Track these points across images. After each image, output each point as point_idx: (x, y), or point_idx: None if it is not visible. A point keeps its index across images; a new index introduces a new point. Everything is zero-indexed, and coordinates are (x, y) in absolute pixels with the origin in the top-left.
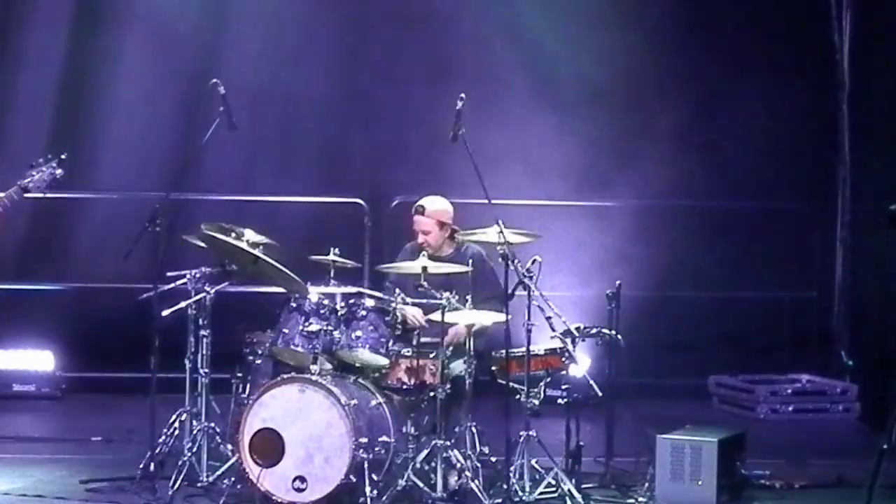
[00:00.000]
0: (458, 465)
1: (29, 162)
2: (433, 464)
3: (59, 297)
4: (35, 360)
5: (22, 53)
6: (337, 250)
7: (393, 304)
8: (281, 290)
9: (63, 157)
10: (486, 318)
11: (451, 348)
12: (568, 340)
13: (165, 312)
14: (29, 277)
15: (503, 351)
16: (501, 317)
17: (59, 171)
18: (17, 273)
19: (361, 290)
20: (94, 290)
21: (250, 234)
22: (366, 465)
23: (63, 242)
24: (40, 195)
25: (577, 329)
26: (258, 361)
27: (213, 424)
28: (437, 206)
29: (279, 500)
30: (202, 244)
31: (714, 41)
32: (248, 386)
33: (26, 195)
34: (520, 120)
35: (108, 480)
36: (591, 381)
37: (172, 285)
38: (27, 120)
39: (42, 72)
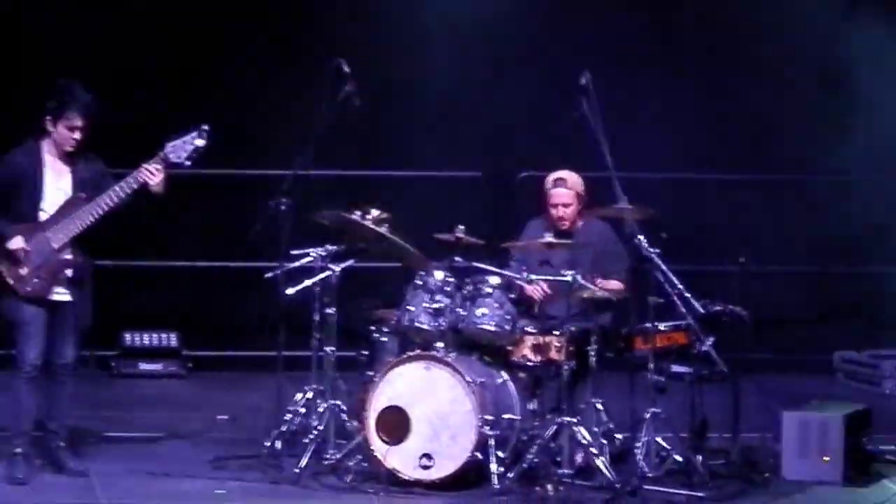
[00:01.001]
0: (584, 441)
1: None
2: (559, 441)
3: (185, 275)
4: (162, 338)
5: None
6: (461, 227)
7: (518, 281)
8: (406, 267)
9: (205, 128)
10: (610, 290)
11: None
12: (693, 316)
13: (291, 290)
14: (156, 256)
15: (629, 327)
16: (623, 288)
17: (200, 143)
18: (146, 251)
19: (486, 266)
20: (220, 269)
21: (375, 212)
22: (491, 443)
23: (190, 220)
24: (179, 164)
25: (703, 305)
26: (384, 339)
27: (339, 402)
28: (574, 178)
29: (405, 478)
30: (327, 222)
31: None
32: (373, 364)
33: (169, 166)
34: (644, 95)
35: (234, 458)
36: (717, 357)
37: (298, 263)
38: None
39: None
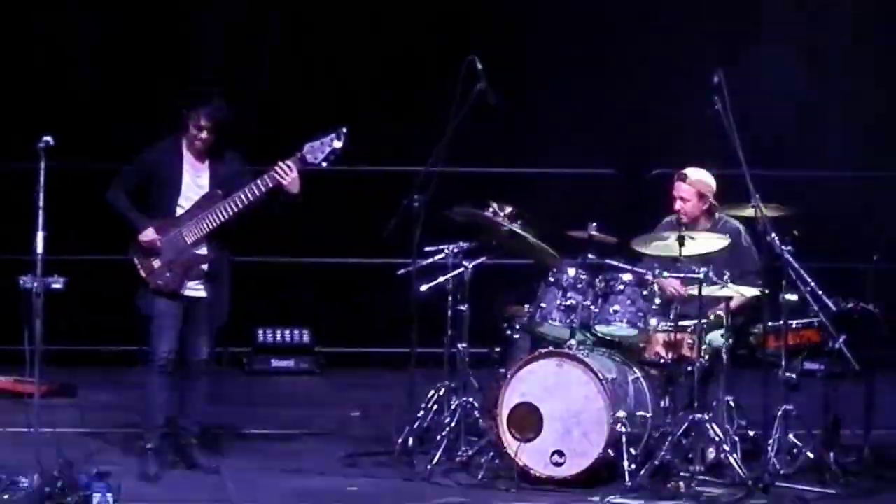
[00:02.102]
0: (716, 438)
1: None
2: (691, 438)
3: (318, 272)
4: (294, 335)
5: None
6: (594, 224)
7: (650, 278)
8: (539, 264)
9: (344, 130)
10: (744, 292)
11: (706, 321)
12: (825, 314)
13: (424, 287)
14: (289, 253)
15: (761, 325)
16: (757, 291)
17: (337, 144)
18: (280, 247)
19: (619, 264)
20: (354, 266)
21: (508, 209)
22: (624, 440)
23: (325, 217)
24: (316, 164)
25: (835, 302)
26: (516, 336)
27: (471, 399)
28: (699, 176)
29: (537, 475)
30: (461, 219)
31: None
32: (506, 361)
33: (306, 166)
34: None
35: (366, 455)
36: (849, 355)
37: (431, 260)
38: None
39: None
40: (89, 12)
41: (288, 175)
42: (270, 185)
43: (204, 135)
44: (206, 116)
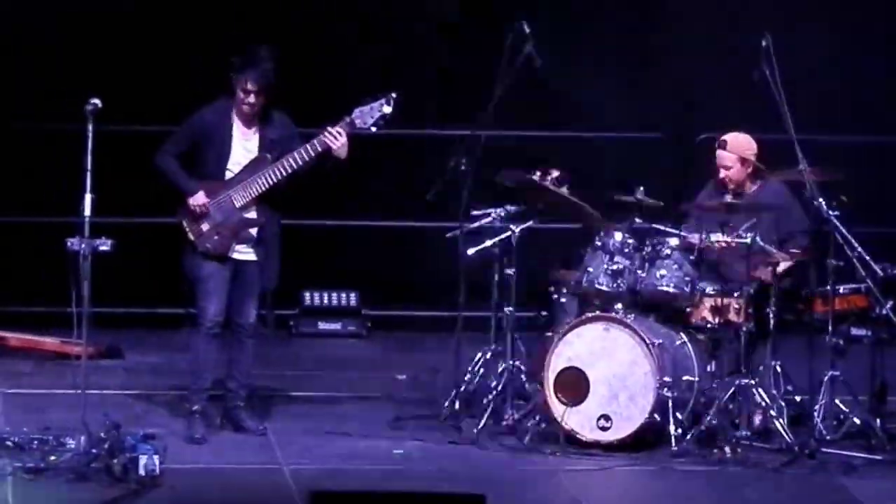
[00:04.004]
0: (763, 404)
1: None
2: (737, 403)
3: (365, 235)
4: (341, 298)
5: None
6: (641, 188)
7: (697, 242)
8: (586, 228)
9: (394, 95)
10: (790, 256)
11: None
12: (873, 279)
13: (471, 251)
14: (336, 215)
15: (808, 289)
16: (801, 253)
17: (387, 109)
18: (326, 210)
19: (666, 228)
20: (400, 229)
21: (555, 172)
22: (670, 405)
23: (369, 180)
24: (365, 129)
25: (883, 268)
26: (563, 300)
27: (517, 363)
28: (739, 141)
29: (584, 439)
30: (508, 182)
31: None
32: (552, 324)
33: (354, 130)
34: (825, 59)
35: (413, 419)
36: None
37: (478, 224)
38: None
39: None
40: None
41: (337, 140)
42: (319, 149)
43: (252, 99)
44: (253, 80)
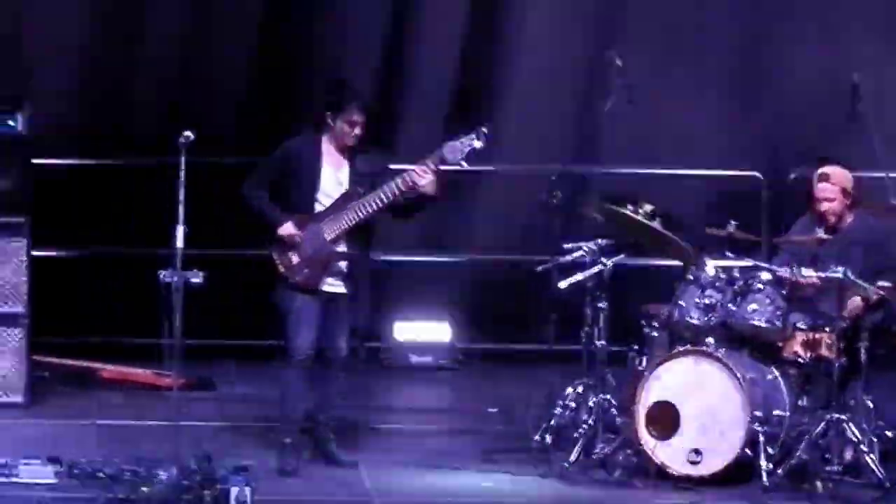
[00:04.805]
0: (854, 439)
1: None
2: (828, 438)
3: (456, 268)
4: (433, 331)
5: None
6: (734, 223)
7: (788, 276)
8: (677, 262)
9: (484, 130)
10: (885, 290)
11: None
12: None
13: (563, 284)
14: (428, 249)
15: None
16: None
17: (477, 144)
18: (418, 244)
19: (757, 262)
20: (491, 262)
21: (648, 206)
22: (761, 439)
23: (461, 214)
24: (455, 164)
25: None
26: (654, 334)
27: (608, 396)
28: (840, 173)
29: (674, 473)
30: (600, 216)
31: None
32: (644, 358)
33: (443, 166)
34: None
35: (503, 451)
36: None
37: (570, 257)
38: (429, 95)
39: (443, 48)
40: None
41: (423, 177)
42: (406, 186)
43: (357, 131)
44: (359, 113)
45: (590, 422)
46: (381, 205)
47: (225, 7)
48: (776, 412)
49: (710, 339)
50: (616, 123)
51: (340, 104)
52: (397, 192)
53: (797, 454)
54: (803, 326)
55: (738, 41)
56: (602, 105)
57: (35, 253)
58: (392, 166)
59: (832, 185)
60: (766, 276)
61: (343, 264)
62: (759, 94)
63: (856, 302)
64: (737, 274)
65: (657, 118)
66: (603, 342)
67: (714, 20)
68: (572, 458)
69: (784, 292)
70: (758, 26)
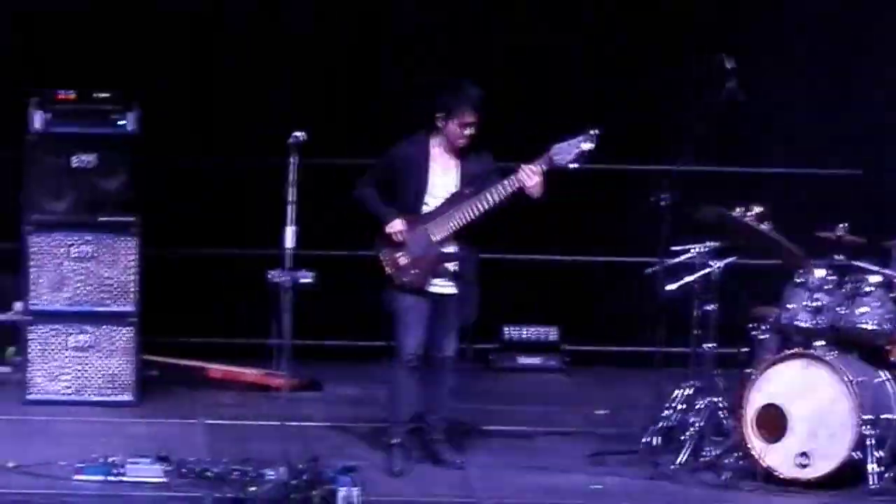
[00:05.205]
0: None
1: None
2: None
3: (565, 269)
4: (541, 332)
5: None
6: (843, 225)
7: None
8: (786, 264)
9: (594, 132)
10: None
11: None
12: None
13: (671, 286)
14: (537, 250)
15: None
16: None
17: (587, 146)
18: (526, 245)
19: (868, 265)
20: (600, 264)
21: (756, 208)
22: (870, 442)
23: (571, 215)
24: (563, 166)
25: None
26: (763, 336)
27: (717, 399)
28: None
29: (782, 476)
30: (708, 218)
31: None
32: (752, 361)
33: (553, 167)
34: None
35: (611, 454)
36: None
37: (678, 259)
38: (537, 94)
39: (553, 47)
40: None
41: (531, 179)
42: (514, 188)
43: (469, 131)
44: (472, 114)
45: (698, 424)
46: (488, 205)
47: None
48: (885, 415)
49: (819, 342)
50: (725, 124)
51: (453, 106)
52: (504, 194)
53: None
54: None
55: (841, 40)
56: (710, 106)
57: (145, 252)
58: (499, 166)
59: None
60: (875, 279)
61: (451, 265)
62: (868, 93)
63: None
64: (846, 277)
65: (766, 119)
66: (711, 344)
67: (818, 19)
68: (680, 460)
69: (893, 296)
70: (862, 24)
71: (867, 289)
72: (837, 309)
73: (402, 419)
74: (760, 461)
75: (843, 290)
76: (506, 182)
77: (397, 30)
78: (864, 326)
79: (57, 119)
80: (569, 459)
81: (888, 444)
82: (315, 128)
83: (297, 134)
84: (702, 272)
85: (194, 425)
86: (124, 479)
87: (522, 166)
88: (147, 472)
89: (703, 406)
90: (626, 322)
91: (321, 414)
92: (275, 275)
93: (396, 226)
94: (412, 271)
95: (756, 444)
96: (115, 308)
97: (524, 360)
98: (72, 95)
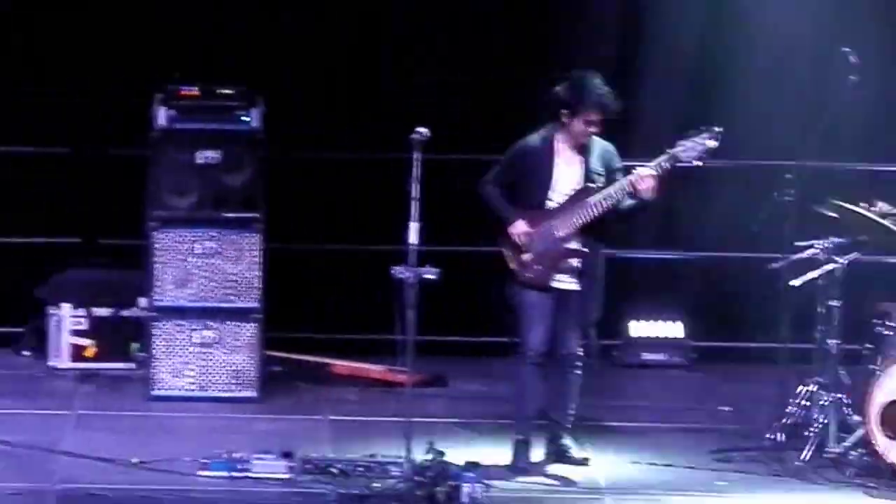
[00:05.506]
0: None
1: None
2: None
3: (690, 266)
4: (666, 329)
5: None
6: None
7: None
8: None
9: (718, 129)
10: None
11: None
12: None
13: (795, 282)
14: (663, 246)
15: None
16: None
17: (711, 144)
18: (653, 241)
19: None
20: (725, 260)
21: (882, 205)
22: None
23: (694, 211)
24: (690, 165)
25: None
26: (887, 333)
27: (842, 396)
28: None
29: None
30: (833, 214)
31: None
32: (877, 357)
33: (677, 164)
34: None
35: (736, 450)
36: None
37: (803, 255)
38: (662, 90)
39: (677, 44)
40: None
41: (645, 181)
42: (631, 188)
43: (594, 129)
44: (597, 110)
45: (822, 421)
46: (609, 204)
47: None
48: None
49: None
50: (849, 120)
51: (579, 103)
52: (623, 194)
53: None
54: None
55: None
56: (834, 101)
57: (269, 247)
58: (624, 164)
59: None
60: None
61: (575, 261)
62: None
63: None
64: None
65: (890, 114)
66: (836, 341)
67: None
68: (805, 456)
69: None
70: None
71: None
72: None
73: (526, 415)
74: (885, 458)
75: None
76: (623, 183)
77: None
78: None
79: (181, 115)
80: (694, 456)
81: None
82: (439, 124)
83: (421, 130)
84: (826, 268)
85: (318, 421)
86: (249, 474)
87: (637, 170)
88: (271, 467)
89: (827, 402)
90: (750, 318)
91: (445, 410)
92: (399, 271)
93: (519, 228)
94: (536, 267)
95: (881, 440)
96: (239, 304)
97: (649, 356)
98: (195, 92)
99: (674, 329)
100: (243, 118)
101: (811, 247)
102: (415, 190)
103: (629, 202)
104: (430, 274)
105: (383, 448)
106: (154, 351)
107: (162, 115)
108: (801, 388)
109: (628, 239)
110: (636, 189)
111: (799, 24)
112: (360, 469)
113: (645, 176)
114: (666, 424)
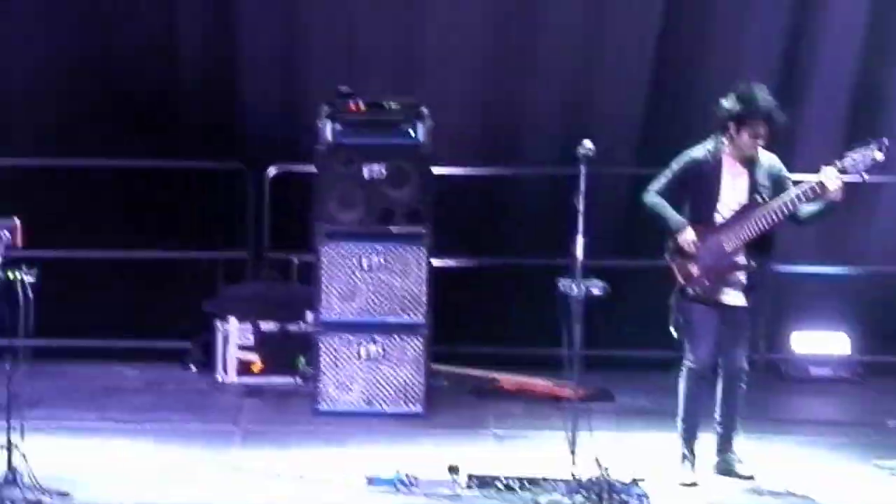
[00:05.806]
0: None
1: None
2: None
3: (856, 279)
4: (831, 343)
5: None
6: None
7: None
8: None
9: (886, 142)
10: None
11: None
12: None
13: None
14: (827, 260)
15: None
16: None
17: (879, 156)
18: (816, 255)
19: None
20: (891, 273)
21: None
22: None
23: (860, 225)
24: (857, 178)
25: None
26: None
27: None
28: None
29: None
30: None
31: None
32: None
33: (844, 176)
34: None
35: None
36: None
37: None
38: (827, 103)
39: (843, 58)
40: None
41: (836, 180)
42: (818, 190)
43: (760, 141)
44: (765, 123)
45: None
46: (784, 214)
47: (621, 14)
48: None
49: None
50: None
51: (746, 115)
52: (804, 199)
53: None
54: None
55: None
56: None
57: (434, 262)
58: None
59: None
60: None
61: (742, 276)
62: None
63: None
64: None
65: None
66: None
67: None
68: None
69: None
70: None
71: None
72: None
73: (692, 430)
74: None
75: None
76: (804, 188)
77: (684, 33)
78: None
79: (347, 130)
80: (859, 469)
81: None
82: (602, 137)
83: (587, 144)
84: None
85: (484, 435)
86: (414, 489)
87: (827, 167)
88: (438, 483)
89: None
90: None
91: (611, 425)
92: (565, 285)
93: (689, 236)
94: (704, 282)
95: None
96: (405, 319)
97: (815, 370)
98: (362, 106)
99: (840, 343)
100: (409, 132)
101: None
102: (581, 204)
103: (812, 207)
104: (596, 288)
105: (548, 463)
106: (321, 365)
107: (328, 130)
108: None
109: (794, 252)
110: (826, 189)
111: None
112: (526, 483)
113: (835, 176)
114: (833, 439)
